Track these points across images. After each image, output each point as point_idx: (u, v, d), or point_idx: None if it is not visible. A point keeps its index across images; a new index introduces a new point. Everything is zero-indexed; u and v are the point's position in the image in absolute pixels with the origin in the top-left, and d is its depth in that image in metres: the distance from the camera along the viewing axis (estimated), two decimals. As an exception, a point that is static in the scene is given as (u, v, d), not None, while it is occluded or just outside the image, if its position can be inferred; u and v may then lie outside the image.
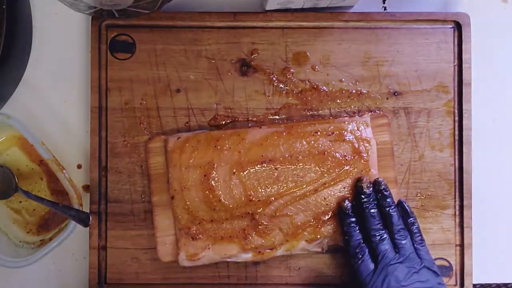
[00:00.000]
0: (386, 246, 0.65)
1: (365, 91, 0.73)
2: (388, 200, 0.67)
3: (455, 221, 0.73)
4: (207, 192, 0.68)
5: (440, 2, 0.76)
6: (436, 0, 0.76)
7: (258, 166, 0.69)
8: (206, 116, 0.73)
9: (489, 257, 0.75)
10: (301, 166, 0.69)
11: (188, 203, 0.69)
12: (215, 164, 0.68)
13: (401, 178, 0.73)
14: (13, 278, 0.74)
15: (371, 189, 0.68)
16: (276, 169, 0.69)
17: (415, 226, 0.67)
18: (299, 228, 0.69)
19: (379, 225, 0.66)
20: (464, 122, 0.73)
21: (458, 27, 0.73)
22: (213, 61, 0.73)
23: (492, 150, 0.76)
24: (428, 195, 0.73)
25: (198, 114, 0.73)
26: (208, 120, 0.73)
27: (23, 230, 0.74)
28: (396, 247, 0.66)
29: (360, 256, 0.65)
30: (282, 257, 0.72)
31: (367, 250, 0.66)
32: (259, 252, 0.69)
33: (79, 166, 0.74)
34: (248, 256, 0.69)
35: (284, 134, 0.69)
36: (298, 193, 0.69)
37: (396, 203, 0.68)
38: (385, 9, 0.76)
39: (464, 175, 0.72)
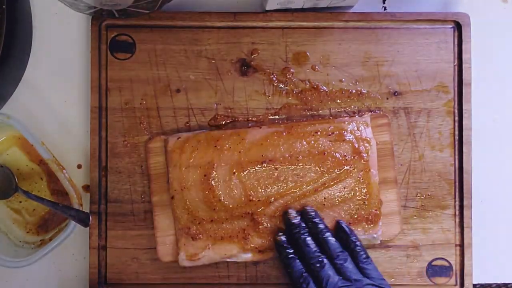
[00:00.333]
0: (327, 271, 0.63)
1: (365, 91, 0.73)
2: (319, 226, 0.67)
3: (455, 221, 0.73)
4: (207, 192, 0.68)
5: (440, 2, 0.76)
6: (436, 0, 0.76)
7: (258, 166, 0.69)
8: (206, 116, 0.73)
9: (489, 257, 0.75)
10: (301, 166, 0.69)
11: (188, 203, 0.69)
12: (215, 164, 0.68)
13: (401, 178, 0.73)
14: (13, 278, 0.74)
15: (298, 218, 0.67)
16: (276, 169, 0.69)
17: (357, 245, 0.66)
18: (299, 228, 0.69)
19: (316, 252, 0.65)
20: (464, 122, 0.73)
21: (458, 27, 0.73)
22: (213, 61, 0.73)
23: (492, 150, 0.76)
24: (428, 195, 0.73)
25: (198, 114, 0.73)
26: (208, 120, 0.73)
27: (23, 230, 0.74)
28: (339, 271, 0.64)
29: (305, 286, 0.64)
30: (282, 257, 0.72)
31: (311, 280, 0.64)
32: (259, 252, 0.69)
33: (79, 166, 0.74)
34: (248, 256, 0.69)
35: (284, 134, 0.69)
36: (298, 193, 0.69)
37: (335, 224, 0.68)
38: (385, 9, 0.76)
39: (464, 175, 0.72)
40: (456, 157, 0.73)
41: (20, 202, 0.74)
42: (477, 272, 0.73)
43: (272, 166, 0.69)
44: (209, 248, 0.69)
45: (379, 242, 0.71)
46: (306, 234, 0.66)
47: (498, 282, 0.76)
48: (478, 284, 0.76)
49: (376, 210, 0.69)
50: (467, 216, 0.72)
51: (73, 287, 0.74)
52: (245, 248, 0.69)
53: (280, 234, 0.68)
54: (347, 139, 0.69)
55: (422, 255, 0.72)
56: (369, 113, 0.72)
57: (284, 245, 0.67)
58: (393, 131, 0.73)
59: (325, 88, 0.73)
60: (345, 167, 0.69)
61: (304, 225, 0.67)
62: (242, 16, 0.73)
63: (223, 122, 0.73)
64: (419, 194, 0.73)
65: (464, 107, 0.73)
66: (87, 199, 0.73)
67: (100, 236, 0.72)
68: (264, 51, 0.73)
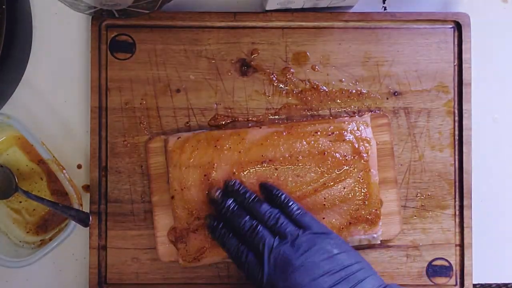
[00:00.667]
0: (262, 235, 0.61)
1: (365, 91, 0.73)
2: (247, 195, 0.65)
3: (455, 221, 0.73)
4: (207, 192, 0.68)
5: (440, 2, 0.76)
6: (436, 0, 0.76)
7: (258, 166, 0.69)
8: (206, 116, 0.73)
9: (489, 257, 0.75)
10: (301, 166, 0.69)
11: (188, 203, 0.69)
12: (215, 164, 0.68)
13: (401, 178, 0.73)
14: (13, 278, 0.74)
15: (220, 192, 0.66)
16: (276, 169, 0.69)
17: (284, 199, 0.64)
18: (299, 228, 0.69)
19: (247, 221, 0.63)
20: (464, 122, 0.73)
21: (458, 27, 0.73)
22: (213, 61, 0.73)
23: (492, 150, 0.76)
24: (428, 195, 0.73)
25: (198, 114, 0.73)
26: (208, 120, 0.73)
27: (23, 230, 0.74)
28: (274, 232, 0.61)
29: (244, 256, 0.62)
30: (282, 257, 0.72)
31: (249, 252, 0.62)
32: (259, 252, 0.69)
33: (79, 166, 0.74)
34: (248, 256, 0.69)
35: (284, 134, 0.69)
36: (298, 193, 0.69)
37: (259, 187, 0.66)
38: (385, 9, 0.76)
39: (464, 175, 0.72)
40: (456, 157, 0.73)
41: (20, 202, 0.74)
42: (477, 272, 0.73)
43: (272, 166, 0.69)
44: (209, 248, 0.69)
45: (379, 242, 0.71)
46: (232, 205, 0.65)
47: (498, 282, 0.76)
48: (478, 284, 0.76)
49: (376, 210, 0.69)
50: (467, 216, 0.72)
51: (73, 287, 0.74)
52: (245, 248, 0.69)
53: (208, 217, 0.66)
54: (347, 139, 0.69)
55: (422, 255, 0.72)
56: (369, 113, 0.72)
57: (215, 224, 0.65)
58: (393, 131, 0.73)
59: (325, 88, 0.73)
60: (345, 167, 0.69)
61: (229, 199, 0.65)
62: (242, 16, 0.73)
63: (223, 122, 0.73)
64: (419, 194, 0.73)
65: (464, 107, 0.73)
66: (87, 199, 0.73)
67: (100, 236, 0.72)
68: (264, 51, 0.73)
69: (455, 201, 0.73)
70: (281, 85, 0.73)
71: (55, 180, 0.73)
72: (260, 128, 0.70)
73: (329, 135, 0.69)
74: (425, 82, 0.73)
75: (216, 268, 0.72)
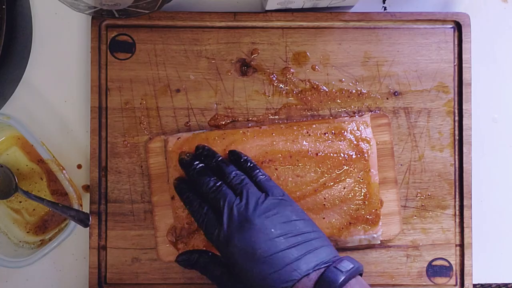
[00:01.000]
0: (224, 193, 0.62)
1: (365, 91, 0.73)
2: (215, 156, 0.66)
3: (455, 221, 0.73)
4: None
5: (440, 2, 0.76)
6: (436, 0, 0.76)
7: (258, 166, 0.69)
8: (206, 116, 0.73)
9: (489, 257, 0.75)
10: (301, 166, 0.69)
11: (188, 203, 0.69)
12: (215, 164, 0.68)
13: (401, 178, 0.73)
14: (13, 278, 0.74)
15: (189, 155, 0.67)
16: (276, 169, 0.69)
17: (250, 164, 0.66)
18: (299, 228, 0.69)
19: (211, 179, 0.63)
20: (464, 122, 0.73)
21: (458, 27, 0.73)
22: (213, 61, 0.73)
23: (492, 150, 0.76)
24: (428, 195, 0.73)
25: (198, 114, 0.73)
26: (208, 120, 0.73)
27: (23, 230, 0.74)
28: (236, 193, 0.62)
29: (204, 212, 0.62)
30: (282, 257, 0.72)
31: (208, 206, 0.62)
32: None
33: (79, 166, 0.74)
34: (248, 256, 0.69)
35: (284, 134, 0.69)
36: (298, 193, 0.69)
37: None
38: (385, 9, 0.76)
39: (464, 175, 0.72)
40: (456, 157, 0.73)
41: (20, 202, 0.74)
42: (477, 272, 0.73)
43: (272, 166, 0.69)
44: (209, 248, 0.69)
45: (379, 242, 0.71)
46: (199, 166, 0.65)
47: (498, 282, 0.76)
48: (478, 284, 0.76)
49: (376, 210, 0.69)
50: (467, 216, 0.72)
51: (73, 287, 0.74)
52: (245, 248, 0.69)
53: (176, 179, 0.67)
54: (347, 139, 0.69)
55: (422, 255, 0.72)
56: (369, 113, 0.72)
57: (182, 188, 0.66)
58: (393, 131, 0.73)
59: (325, 88, 0.73)
60: (345, 167, 0.69)
61: (197, 161, 0.66)
62: (242, 16, 0.73)
63: (223, 122, 0.73)
64: (419, 194, 0.73)
65: (464, 107, 0.73)
66: (87, 199, 0.73)
67: (100, 236, 0.72)
68: (264, 51, 0.73)
69: (455, 201, 0.73)
70: (281, 85, 0.73)
71: (55, 180, 0.73)
72: (260, 128, 0.70)
73: (329, 135, 0.69)
74: (425, 82, 0.73)
75: (216, 268, 0.72)
